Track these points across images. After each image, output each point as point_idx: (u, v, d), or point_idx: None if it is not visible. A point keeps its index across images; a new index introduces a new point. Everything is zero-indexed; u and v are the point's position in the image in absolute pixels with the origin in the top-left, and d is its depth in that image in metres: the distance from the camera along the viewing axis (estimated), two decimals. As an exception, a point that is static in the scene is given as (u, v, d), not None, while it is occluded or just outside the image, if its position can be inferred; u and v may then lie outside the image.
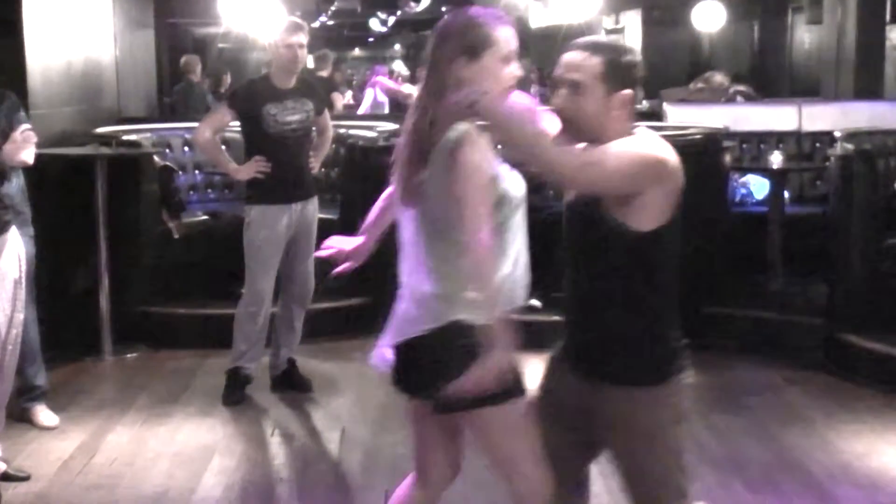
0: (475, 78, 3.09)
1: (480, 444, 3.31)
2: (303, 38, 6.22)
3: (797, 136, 9.38)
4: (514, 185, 3.19)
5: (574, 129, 3.02)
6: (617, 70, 3.01)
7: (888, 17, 13.20)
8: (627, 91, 3.04)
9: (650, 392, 3.11)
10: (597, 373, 3.13)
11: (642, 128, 3.14)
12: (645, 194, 2.99)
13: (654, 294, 3.12)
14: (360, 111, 14.23)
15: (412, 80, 16.99)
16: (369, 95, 14.59)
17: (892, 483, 5.20)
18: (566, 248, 3.20)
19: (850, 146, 7.18)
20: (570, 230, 3.17)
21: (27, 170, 5.51)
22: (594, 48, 3.04)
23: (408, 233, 3.24)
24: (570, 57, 3.04)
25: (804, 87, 14.63)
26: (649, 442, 3.12)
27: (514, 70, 3.16)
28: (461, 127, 3.06)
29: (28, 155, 5.40)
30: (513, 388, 3.12)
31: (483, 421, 3.19)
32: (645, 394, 3.10)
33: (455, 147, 3.04)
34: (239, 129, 6.44)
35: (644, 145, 3.03)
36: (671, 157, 3.07)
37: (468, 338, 3.03)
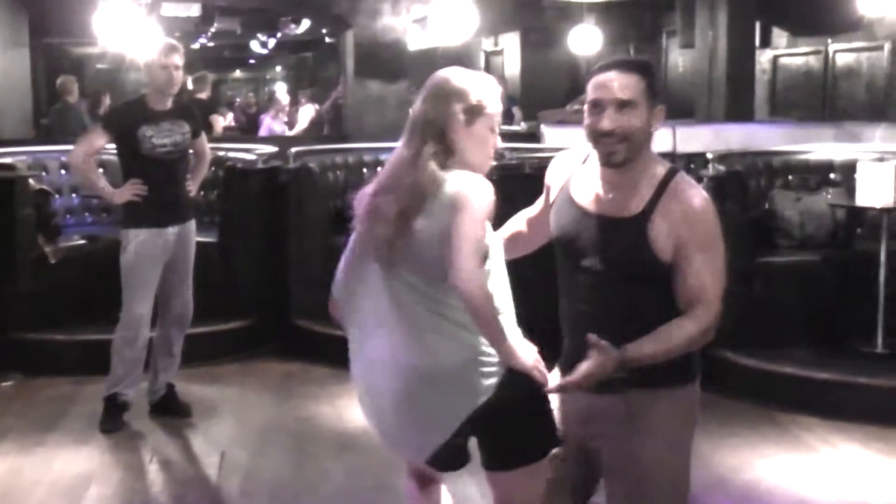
0: (463, 140, 3.13)
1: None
2: (178, 60, 6.16)
3: (672, 157, 9.56)
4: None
5: (626, 147, 3.03)
6: (655, 86, 3.06)
7: (758, 41, 13.58)
8: (661, 106, 3.10)
9: (673, 393, 3.18)
10: (620, 380, 3.04)
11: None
12: None
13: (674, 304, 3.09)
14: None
15: (293, 102, 16.98)
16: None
17: (765, 495, 5.34)
18: (572, 265, 3.21)
19: (722, 167, 7.36)
20: (590, 250, 3.15)
21: None
22: (630, 66, 3.06)
23: (384, 301, 3.17)
24: (611, 77, 3.03)
25: (678, 110, 14.92)
26: (669, 443, 3.17)
27: (496, 142, 3.21)
28: (460, 175, 3.08)
29: None
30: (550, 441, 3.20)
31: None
32: (669, 394, 3.17)
33: (458, 196, 3.04)
34: (115, 151, 6.36)
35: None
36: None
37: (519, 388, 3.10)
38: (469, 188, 3.05)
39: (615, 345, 2.94)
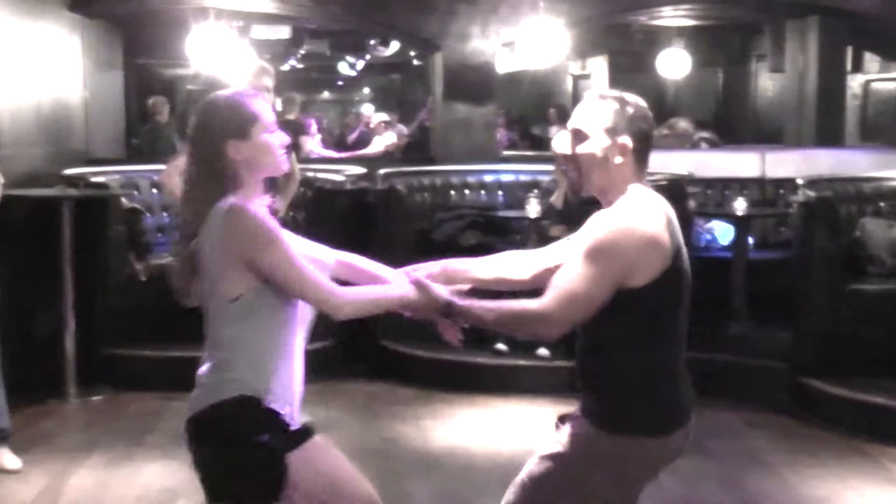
0: (251, 155, 3.15)
1: None
2: (268, 82, 6.24)
3: (760, 182, 9.49)
4: None
5: (577, 174, 3.12)
6: (619, 118, 3.06)
7: (849, 65, 13.39)
8: (625, 139, 3.07)
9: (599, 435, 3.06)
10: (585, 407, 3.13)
11: (636, 188, 3.14)
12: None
13: (640, 344, 3.08)
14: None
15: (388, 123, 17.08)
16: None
17: (854, 527, 5.25)
18: None
19: (811, 193, 7.27)
20: None
21: (-7, 211, 5.52)
22: (601, 97, 3.13)
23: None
24: (580, 106, 3.15)
25: (767, 134, 14.77)
26: (567, 477, 3.08)
27: (280, 140, 3.22)
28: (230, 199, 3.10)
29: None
30: None
31: None
32: (595, 434, 3.06)
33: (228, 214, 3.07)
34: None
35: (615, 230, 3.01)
36: (647, 228, 3.02)
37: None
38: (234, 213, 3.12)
39: (581, 370, 3.12)
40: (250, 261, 3.03)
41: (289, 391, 3.15)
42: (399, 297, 3.20)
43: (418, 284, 3.17)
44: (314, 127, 15.10)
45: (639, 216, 3.01)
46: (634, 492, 3.17)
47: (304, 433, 3.14)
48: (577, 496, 3.09)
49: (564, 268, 2.98)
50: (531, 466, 3.16)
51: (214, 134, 3.13)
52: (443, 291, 3.15)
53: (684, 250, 3.13)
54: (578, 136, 3.10)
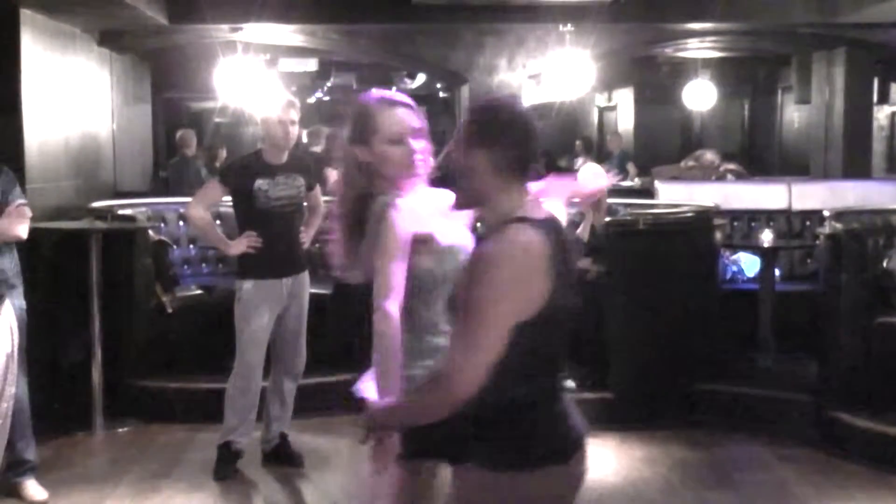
0: (375, 163, 3.22)
1: None
2: (294, 115, 6.27)
3: (787, 214, 9.45)
4: (442, 261, 3.22)
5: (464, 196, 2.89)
6: (483, 130, 2.78)
7: (875, 97, 13.37)
8: (488, 150, 2.76)
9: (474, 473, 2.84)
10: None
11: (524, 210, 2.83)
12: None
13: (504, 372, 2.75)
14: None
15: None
16: None
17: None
18: None
19: (839, 225, 7.24)
20: None
21: (22, 243, 5.55)
22: (469, 112, 2.87)
23: None
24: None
25: (794, 166, 14.75)
26: None
27: (409, 149, 3.22)
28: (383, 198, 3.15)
29: (22, 230, 5.46)
30: None
31: None
32: (470, 471, 2.85)
33: (378, 217, 3.13)
34: (231, 203, 6.47)
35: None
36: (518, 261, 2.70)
37: None
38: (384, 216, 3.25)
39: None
40: None
41: None
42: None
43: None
44: None
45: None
46: None
47: None
48: None
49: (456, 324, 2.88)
50: None
51: (347, 137, 3.25)
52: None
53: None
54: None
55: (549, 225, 2.79)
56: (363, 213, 3.18)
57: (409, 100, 3.36)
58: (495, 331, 2.65)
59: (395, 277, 3.11)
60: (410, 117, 3.28)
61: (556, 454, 2.81)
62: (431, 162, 3.30)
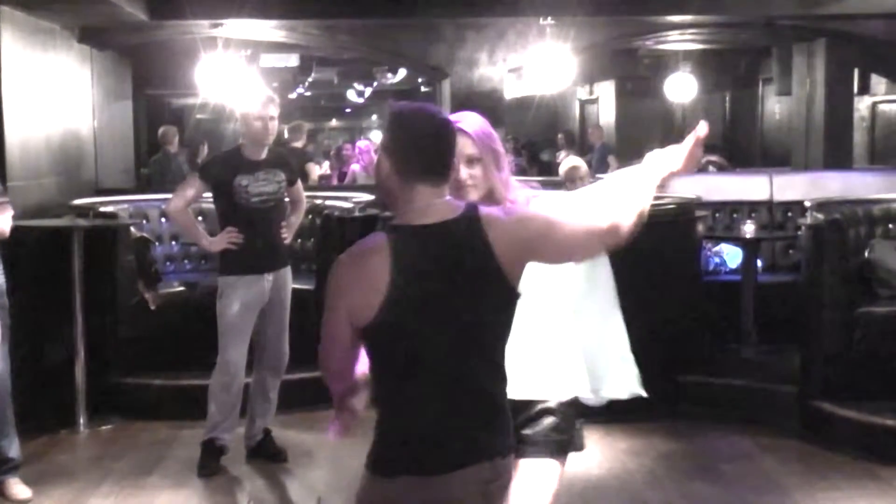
0: None
1: None
2: (273, 111, 6.26)
3: (769, 205, 9.49)
4: None
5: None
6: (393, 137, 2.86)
7: (856, 88, 13.42)
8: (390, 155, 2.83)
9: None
10: None
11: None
12: None
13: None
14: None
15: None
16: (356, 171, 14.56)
17: (867, 551, 5.22)
18: None
19: (820, 216, 7.26)
20: None
21: (3, 241, 5.54)
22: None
23: None
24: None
25: (775, 158, 14.81)
26: None
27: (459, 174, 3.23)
28: None
29: (4, 227, 5.44)
30: None
31: None
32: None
33: None
34: (212, 199, 6.46)
35: None
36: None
37: None
38: None
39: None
40: None
41: None
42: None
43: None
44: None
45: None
46: None
47: None
48: None
49: None
50: None
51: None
52: None
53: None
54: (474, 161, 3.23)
55: (433, 231, 2.77)
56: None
57: (472, 126, 3.40)
58: (330, 326, 2.81)
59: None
60: (465, 145, 3.30)
61: (410, 464, 2.77)
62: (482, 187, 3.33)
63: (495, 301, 2.81)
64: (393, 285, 2.68)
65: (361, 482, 2.84)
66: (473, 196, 3.26)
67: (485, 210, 2.84)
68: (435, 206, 2.79)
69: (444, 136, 2.85)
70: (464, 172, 3.29)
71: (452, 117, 3.18)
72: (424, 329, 2.75)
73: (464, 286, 2.75)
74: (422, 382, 2.79)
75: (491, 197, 3.30)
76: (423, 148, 2.80)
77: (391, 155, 2.80)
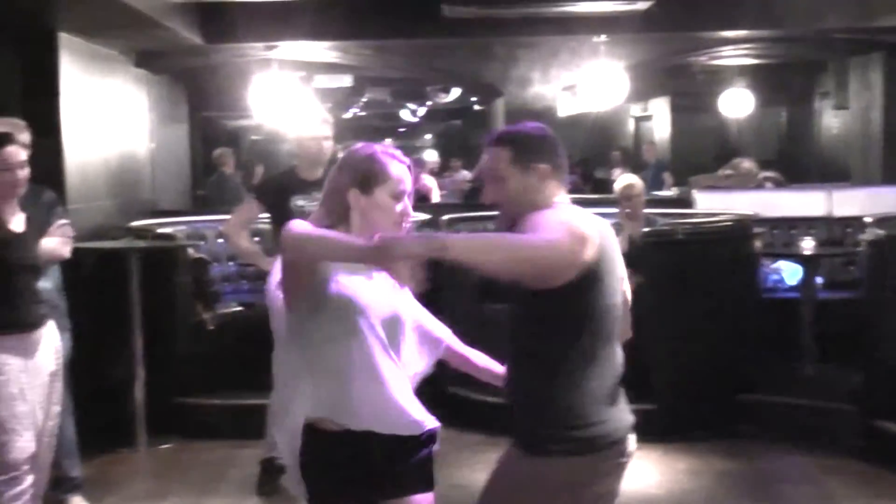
0: (366, 209, 3.28)
1: None
2: (327, 131, 6.30)
3: (828, 221, 9.39)
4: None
5: (507, 210, 3.23)
6: (522, 151, 3.21)
7: (914, 101, 13.26)
8: (543, 165, 3.22)
9: (525, 458, 3.19)
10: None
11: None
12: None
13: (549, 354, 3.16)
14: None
15: (444, 168, 17.11)
16: None
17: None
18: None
19: (880, 231, 7.19)
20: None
21: (63, 263, 5.59)
22: (495, 141, 3.27)
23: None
24: (484, 153, 3.30)
25: (833, 173, 14.64)
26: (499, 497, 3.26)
27: (403, 208, 3.32)
28: None
29: (65, 250, 5.50)
30: None
31: None
32: (520, 456, 3.21)
33: None
34: (268, 220, 6.50)
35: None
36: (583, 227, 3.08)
37: None
38: None
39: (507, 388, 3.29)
40: None
41: None
42: (365, 250, 3.01)
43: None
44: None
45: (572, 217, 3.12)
46: None
47: None
48: None
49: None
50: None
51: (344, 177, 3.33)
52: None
53: (610, 261, 3.19)
54: (496, 179, 3.24)
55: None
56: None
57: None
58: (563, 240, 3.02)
59: None
60: (408, 178, 3.39)
61: (554, 447, 3.12)
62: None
63: None
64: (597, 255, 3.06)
65: (534, 467, 3.13)
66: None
67: None
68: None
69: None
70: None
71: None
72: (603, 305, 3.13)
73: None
74: (600, 359, 3.14)
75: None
76: (560, 152, 3.30)
77: (550, 161, 3.22)
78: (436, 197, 14.24)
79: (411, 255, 2.93)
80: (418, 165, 16.53)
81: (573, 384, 3.10)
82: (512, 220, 3.18)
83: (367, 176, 3.29)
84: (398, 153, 3.40)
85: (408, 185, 3.35)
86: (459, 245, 2.88)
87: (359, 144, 3.43)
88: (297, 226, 3.13)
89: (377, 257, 2.92)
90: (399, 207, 3.31)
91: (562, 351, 3.10)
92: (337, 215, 3.32)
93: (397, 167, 3.32)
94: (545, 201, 3.19)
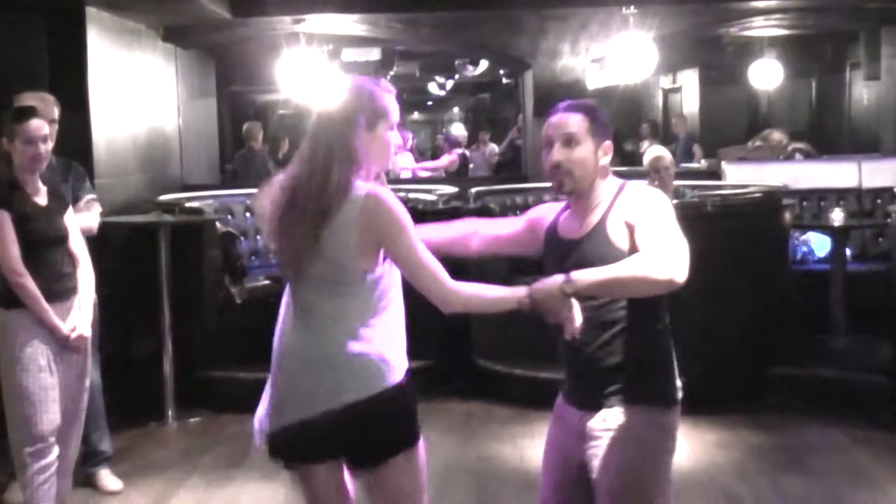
0: (369, 145, 3.31)
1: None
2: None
3: (857, 192, 9.33)
4: None
5: (572, 178, 3.37)
6: (598, 124, 3.40)
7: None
8: (608, 142, 3.40)
9: (646, 411, 3.37)
10: (600, 397, 3.37)
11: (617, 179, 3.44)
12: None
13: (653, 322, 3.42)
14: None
15: (472, 141, 17.07)
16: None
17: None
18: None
19: (911, 202, 7.13)
20: (560, 270, 3.27)
21: (92, 238, 5.61)
22: (574, 108, 3.43)
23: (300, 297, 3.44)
24: (558, 117, 3.42)
25: (863, 144, 14.52)
26: (639, 453, 3.33)
27: (394, 139, 3.40)
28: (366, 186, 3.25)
29: (92, 223, 5.53)
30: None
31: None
32: (642, 411, 3.36)
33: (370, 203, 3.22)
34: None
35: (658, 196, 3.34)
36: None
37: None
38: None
39: (594, 353, 3.34)
40: (384, 244, 3.25)
41: None
42: (514, 296, 3.20)
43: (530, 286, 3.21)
44: (409, 142, 15.10)
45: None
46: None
47: None
48: (655, 474, 3.39)
49: (645, 233, 3.21)
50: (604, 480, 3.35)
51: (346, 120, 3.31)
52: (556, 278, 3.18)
53: None
54: (571, 142, 3.37)
55: None
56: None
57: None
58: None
59: (427, 260, 3.31)
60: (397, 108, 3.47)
61: (670, 398, 3.49)
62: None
63: None
64: None
65: (649, 414, 3.35)
66: None
67: None
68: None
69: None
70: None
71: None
72: None
73: None
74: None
75: None
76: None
77: (608, 136, 3.39)
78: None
79: (554, 299, 3.11)
80: (448, 140, 16.54)
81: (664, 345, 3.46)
82: (562, 186, 3.39)
83: (375, 113, 3.34)
84: (384, 83, 3.47)
85: (397, 115, 3.42)
86: (586, 283, 3.11)
87: (351, 84, 3.42)
88: (455, 288, 3.28)
89: (531, 305, 3.14)
90: (393, 138, 3.39)
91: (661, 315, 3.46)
92: (349, 162, 3.29)
93: (390, 99, 3.41)
94: (602, 173, 3.40)
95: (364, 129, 3.29)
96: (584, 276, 3.11)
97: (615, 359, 3.34)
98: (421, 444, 3.37)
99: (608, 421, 3.32)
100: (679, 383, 3.47)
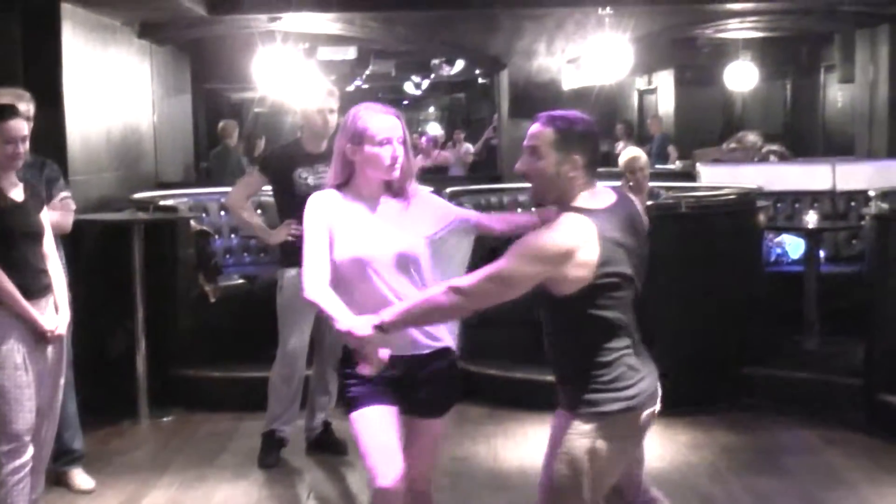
0: (360, 162, 3.86)
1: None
2: (332, 104, 6.26)
3: (832, 195, 9.37)
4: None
5: (534, 187, 3.53)
6: (569, 138, 3.45)
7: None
8: (577, 156, 3.45)
9: (590, 420, 3.49)
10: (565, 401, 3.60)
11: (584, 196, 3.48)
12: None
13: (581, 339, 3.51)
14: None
15: (448, 140, 17.08)
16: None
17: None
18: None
19: (885, 205, 7.16)
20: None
21: (65, 235, 5.58)
22: (546, 120, 3.50)
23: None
24: (531, 129, 3.52)
25: (837, 146, 14.59)
26: (568, 459, 3.49)
27: (393, 154, 3.83)
28: None
29: (66, 222, 5.49)
30: None
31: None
32: (582, 418, 3.50)
33: None
34: (272, 192, 6.48)
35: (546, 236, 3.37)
36: (568, 242, 3.33)
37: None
38: None
39: (560, 370, 3.61)
40: None
41: None
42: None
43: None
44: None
45: (562, 232, 3.36)
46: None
47: None
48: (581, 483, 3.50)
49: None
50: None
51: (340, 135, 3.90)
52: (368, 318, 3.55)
53: (620, 255, 3.41)
54: (534, 153, 3.49)
55: (617, 211, 3.47)
56: None
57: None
58: (520, 282, 3.39)
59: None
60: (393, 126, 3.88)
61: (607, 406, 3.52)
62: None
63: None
64: (599, 262, 3.32)
65: (577, 427, 3.47)
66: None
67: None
68: (602, 192, 3.51)
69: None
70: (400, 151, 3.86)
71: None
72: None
73: (643, 258, 3.54)
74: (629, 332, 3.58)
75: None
76: (597, 147, 3.57)
77: (584, 153, 3.45)
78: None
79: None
80: (430, 140, 16.60)
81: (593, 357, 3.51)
82: (539, 196, 3.57)
83: (355, 133, 3.83)
84: (380, 106, 3.92)
85: (393, 133, 3.81)
86: (399, 323, 3.53)
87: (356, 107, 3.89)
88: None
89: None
90: (388, 154, 3.82)
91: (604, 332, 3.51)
92: (345, 175, 3.88)
93: (379, 119, 3.85)
94: (569, 192, 3.46)
95: (352, 148, 3.84)
96: (390, 314, 3.51)
97: (558, 368, 3.62)
98: None
99: (553, 423, 3.59)
100: (630, 392, 3.55)
